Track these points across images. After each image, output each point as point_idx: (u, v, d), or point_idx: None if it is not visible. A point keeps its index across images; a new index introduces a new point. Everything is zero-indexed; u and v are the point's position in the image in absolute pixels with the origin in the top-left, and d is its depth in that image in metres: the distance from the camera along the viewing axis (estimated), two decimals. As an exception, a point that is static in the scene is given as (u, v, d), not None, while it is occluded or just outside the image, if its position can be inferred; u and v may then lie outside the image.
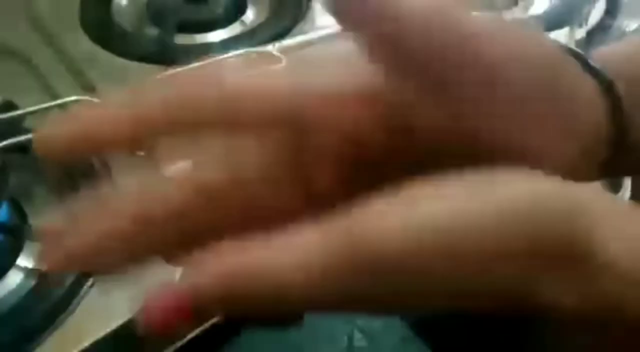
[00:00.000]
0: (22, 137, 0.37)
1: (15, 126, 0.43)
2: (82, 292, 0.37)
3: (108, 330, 0.36)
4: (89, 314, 0.37)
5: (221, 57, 0.46)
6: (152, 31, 0.55)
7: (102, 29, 0.54)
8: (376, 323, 0.45)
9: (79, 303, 0.37)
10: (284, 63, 0.45)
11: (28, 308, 0.37)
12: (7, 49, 0.53)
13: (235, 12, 0.57)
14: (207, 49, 0.53)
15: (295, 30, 0.54)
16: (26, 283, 0.38)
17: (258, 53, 0.46)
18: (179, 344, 0.41)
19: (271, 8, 0.57)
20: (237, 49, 0.49)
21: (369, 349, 0.44)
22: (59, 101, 0.42)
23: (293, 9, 0.56)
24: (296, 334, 0.45)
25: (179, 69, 0.44)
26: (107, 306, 0.37)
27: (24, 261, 0.39)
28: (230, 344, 0.44)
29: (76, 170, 0.43)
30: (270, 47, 0.47)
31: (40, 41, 0.53)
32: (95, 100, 0.42)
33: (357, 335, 0.45)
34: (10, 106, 0.43)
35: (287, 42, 0.48)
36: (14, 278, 0.38)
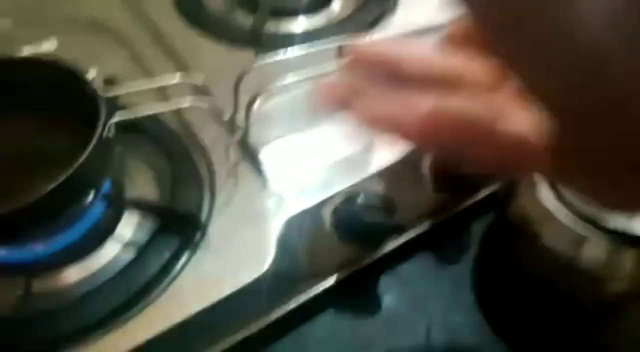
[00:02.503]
0: (133, 114, 0.39)
1: (113, 103, 0.45)
2: (178, 266, 0.39)
3: (204, 305, 0.37)
4: (186, 288, 0.38)
5: (316, 45, 0.46)
6: (242, 16, 0.56)
7: (195, 11, 0.55)
8: (455, 319, 0.46)
9: (174, 278, 0.38)
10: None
11: (125, 279, 0.38)
12: (102, 27, 0.55)
13: (323, 1, 0.57)
14: (296, 37, 0.53)
15: (382, 23, 0.54)
16: (124, 254, 0.40)
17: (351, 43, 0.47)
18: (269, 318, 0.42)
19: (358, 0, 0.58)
20: (324, 38, 0.49)
21: (447, 344, 0.45)
22: (159, 82, 0.43)
23: (380, 3, 0.56)
24: (373, 326, 0.46)
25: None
26: (202, 283, 0.38)
27: (124, 231, 0.41)
28: (305, 330, 0.45)
29: (171, 147, 0.45)
30: (364, 37, 0.47)
31: (133, 20, 0.55)
32: (197, 79, 0.44)
33: (436, 329, 0.45)
34: (111, 82, 0.44)
35: (381, 33, 0.48)
36: (113, 248, 0.40)
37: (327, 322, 0.46)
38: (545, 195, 0.40)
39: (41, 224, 0.36)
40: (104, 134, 0.36)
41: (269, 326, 0.43)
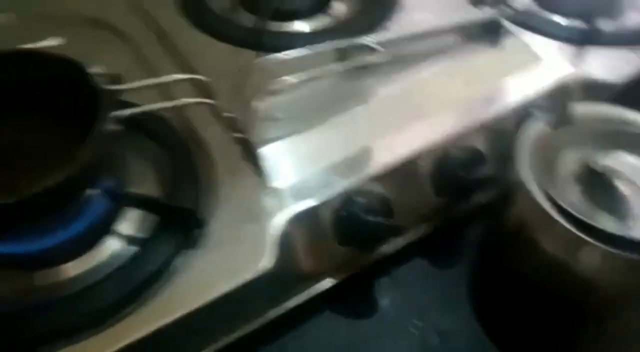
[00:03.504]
0: (137, 110, 0.39)
1: (115, 98, 0.45)
2: (177, 263, 0.39)
3: (202, 302, 0.37)
4: (184, 285, 0.38)
5: (317, 47, 0.47)
6: (244, 16, 0.56)
7: (197, 10, 0.56)
8: (450, 323, 0.46)
9: (173, 275, 0.38)
10: (382, 55, 0.46)
11: (125, 275, 0.38)
12: (105, 25, 0.55)
13: (325, 2, 0.57)
14: (298, 38, 0.54)
15: (384, 26, 0.55)
16: (124, 250, 0.40)
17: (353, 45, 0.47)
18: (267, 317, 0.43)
19: (359, 2, 0.58)
20: (326, 39, 0.50)
21: (441, 348, 0.45)
22: (161, 79, 0.43)
23: (382, 5, 0.57)
24: (368, 328, 0.46)
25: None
26: (201, 280, 0.38)
27: (124, 227, 0.41)
28: (301, 330, 0.45)
29: (172, 145, 0.45)
30: (367, 39, 0.47)
31: (136, 18, 0.55)
32: (199, 78, 0.44)
33: (430, 333, 0.45)
34: (116, 80, 0.44)
35: (383, 35, 0.49)
36: (114, 244, 0.40)
37: (323, 323, 0.46)
38: (541, 200, 0.41)
39: (43, 217, 0.36)
40: (106, 129, 0.36)
41: (265, 326, 0.43)
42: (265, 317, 0.43)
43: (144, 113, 0.41)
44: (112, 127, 0.36)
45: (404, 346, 0.45)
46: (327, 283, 0.45)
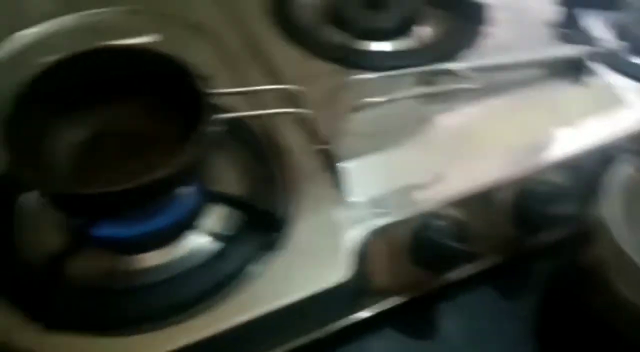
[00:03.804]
0: (235, 114, 0.41)
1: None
2: (257, 264, 0.40)
3: (275, 307, 0.38)
4: (260, 287, 0.39)
5: (405, 70, 0.48)
6: (332, 31, 0.57)
7: (288, 22, 0.57)
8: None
9: (251, 276, 0.39)
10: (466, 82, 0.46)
11: (204, 271, 0.40)
12: (198, 26, 0.57)
13: (410, 24, 0.58)
14: (385, 58, 0.55)
15: (468, 53, 0.55)
16: (206, 244, 0.41)
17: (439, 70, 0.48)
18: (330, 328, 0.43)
19: (445, 27, 0.59)
20: (411, 61, 0.51)
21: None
22: (256, 87, 0.44)
23: (468, 31, 0.57)
24: (424, 348, 0.46)
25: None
26: (276, 284, 0.39)
27: (207, 222, 0.42)
28: (361, 345, 0.45)
29: (257, 151, 0.46)
30: (451, 66, 0.48)
31: (229, 24, 0.57)
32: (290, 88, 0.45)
33: None
34: (207, 82, 0.46)
35: (467, 63, 0.49)
36: (197, 237, 0.41)
37: (384, 341, 0.45)
38: (624, 244, 0.40)
39: (137, 207, 0.37)
40: (210, 130, 0.37)
41: (328, 337, 0.44)
42: (329, 328, 0.44)
43: (234, 118, 0.43)
44: (215, 129, 0.37)
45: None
46: (393, 301, 0.46)
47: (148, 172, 0.34)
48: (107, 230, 0.38)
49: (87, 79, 0.41)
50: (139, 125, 0.41)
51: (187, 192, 0.41)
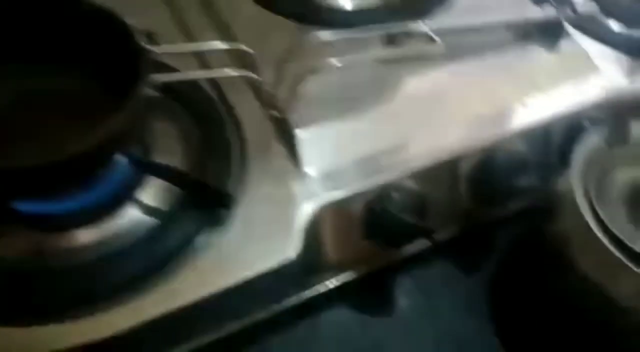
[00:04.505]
0: (178, 76, 0.37)
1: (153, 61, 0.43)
2: (200, 241, 0.37)
3: (222, 286, 0.36)
4: (206, 266, 0.36)
5: (368, 29, 0.44)
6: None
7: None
8: (467, 330, 0.44)
9: (194, 254, 0.37)
10: (436, 45, 0.43)
11: (142, 249, 0.36)
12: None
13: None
14: (351, 16, 0.51)
15: (438, 13, 0.52)
16: (145, 219, 0.38)
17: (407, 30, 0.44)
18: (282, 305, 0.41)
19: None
20: (374, 19, 0.47)
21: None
22: (204, 45, 0.40)
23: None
24: (384, 326, 0.44)
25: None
26: (222, 262, 0.37)
27: (145, 196, 0.39)
28: (315, 321, 0.44)
29: (205, 116, 0.43)
30: (422, 26, 0.44)
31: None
32: (243, 49, 0.41)
33: (446, 338, 0.44)
34: (152, 38, 0.42)
35: (437, 23, 0.46)
36: (134, 212, 0.38)
37: (338, 317, 0.44)
38: (587, 216, 0.39)
39: (64, 181, 0.34)
40: (144, 93, 0.33)
41: (279, 314, 0.42)
42: (281, 305, 0.42)
43: (177, 80, 0.39)
44: (150, 92, 0.34)
45: (416, 350, 0.44)
46: (346, 277, 0.44)
47: (73, 141, 0.30)
48: (30, 205, 0.34)
49: (6, 30, 0.37)
50: (69, 86, 0.37)
51: (124, 163, 0.37)
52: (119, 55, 0.35)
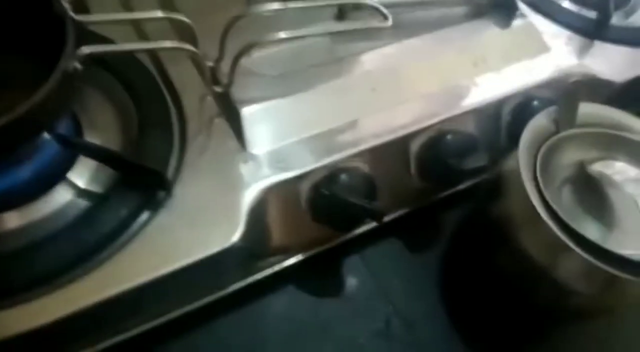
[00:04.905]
0: (109, 48, 0.34)
1: (83, 30, 0.39)
2: (136, 225, 0.35)
3: (159, 273, 0.34)
4: (143, 251, 0.34)
5: (316, 2, 0.42)
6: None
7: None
8: (416, 309, 0.44)
9: (130, 239, 0.35)
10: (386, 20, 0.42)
11: (73, 234, 0.34)
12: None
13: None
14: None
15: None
16: (76, 202, 0.36)
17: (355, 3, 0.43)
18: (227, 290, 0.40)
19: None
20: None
21: (405, 333, 0.43)
22: (139, 14, 0.38)
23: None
24: (333, 307, 0.44)
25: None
26: (160, 248, 0.35)
27: (77, 178, 0.36)
28: (263, 305, 0.43)
29: (143, 92, 0.40)
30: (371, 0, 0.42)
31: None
32: (182, 19, 0.39)
33: (396, 317, 0.44)
34: (82, 7, 0.39)
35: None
36: (64, 194, 0.36)
37: (286, 299, 0.43)
38: (532, 196, 0.39)
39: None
40: (71, 66, 0.31)
41: (225, 298, 0.40)
42: (226, 290, 0.40)
43: (110, 52, 0.36)
44: (77, 65, 0.31)
45: (366, 330, 0.43)
46: (293, 259, 0.43)
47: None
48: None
49: None
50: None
51: (51, 143, 0.35)
52: (44, 26, 0.32)
